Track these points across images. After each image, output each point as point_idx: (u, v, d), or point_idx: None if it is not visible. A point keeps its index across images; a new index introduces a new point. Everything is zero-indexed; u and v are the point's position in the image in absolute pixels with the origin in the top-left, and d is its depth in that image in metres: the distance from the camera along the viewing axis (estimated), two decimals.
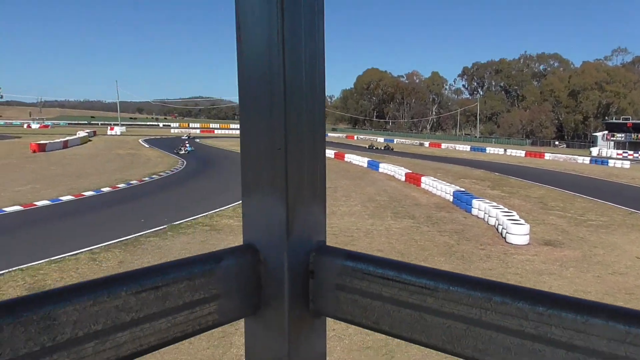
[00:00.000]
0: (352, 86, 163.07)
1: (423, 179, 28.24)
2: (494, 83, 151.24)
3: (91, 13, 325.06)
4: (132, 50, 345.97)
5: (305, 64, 0.74)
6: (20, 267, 11.36)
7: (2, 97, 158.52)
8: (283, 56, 0.70)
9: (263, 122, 0.73)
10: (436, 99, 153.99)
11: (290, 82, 0.71)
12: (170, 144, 58.27)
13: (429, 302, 0.64)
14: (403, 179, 31.00)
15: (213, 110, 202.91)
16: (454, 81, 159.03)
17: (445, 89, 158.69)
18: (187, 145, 47.12)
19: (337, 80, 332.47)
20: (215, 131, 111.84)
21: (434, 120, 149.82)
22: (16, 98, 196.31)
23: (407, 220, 18.68)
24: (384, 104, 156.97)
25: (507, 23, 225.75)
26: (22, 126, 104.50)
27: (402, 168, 33.22)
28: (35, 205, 19.06)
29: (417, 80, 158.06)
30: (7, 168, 31.12)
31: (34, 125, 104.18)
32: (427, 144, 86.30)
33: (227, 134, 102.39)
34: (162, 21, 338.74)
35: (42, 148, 43.22)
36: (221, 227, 16.20)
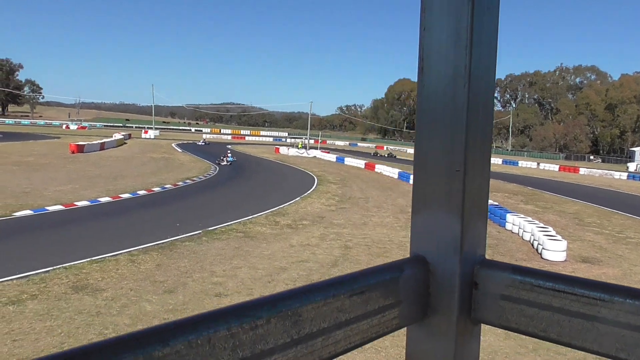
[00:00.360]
0: (383, 96, 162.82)
1: None
2: (527, 95, 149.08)
3: (130, 18, 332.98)
4: (168, 55, 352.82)
5: (484, 92, 0.83)
6: (63, 265, 11.72)
7: (43, 97, 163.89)
8: (468, 88, 0.80)
9: (442, 146, 0.82)
10: None
11: (472, 111, 0.81)
12: (202, 149, 59.18)
13: (603, 312, 0.71)
14: None
15: (244, 117, 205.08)
16: None
17: None
18: (229, 155, 44.08)
19: (368, 90, 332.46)
20: (246, 138, 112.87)
21: None
22: (56, 99, 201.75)
23: None
24: (414, 115, 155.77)
25: (543, 34, 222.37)
26: (61, 127, 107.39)
27: None
28: (76, 205, 19.62)
29: None
30: (48, 167, 32.10)
31: (72, 126, 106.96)
32: None
33: (258, 141, 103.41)
34: (196, 28, 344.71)
35: (80, 149, 44.40)
36: (254, 235, 16.39)
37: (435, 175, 0.84)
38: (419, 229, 0.88)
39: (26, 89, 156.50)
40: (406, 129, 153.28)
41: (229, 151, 46.00)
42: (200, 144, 65.86)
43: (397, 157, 70.55)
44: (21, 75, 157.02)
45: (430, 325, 0.85)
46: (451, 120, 0.82)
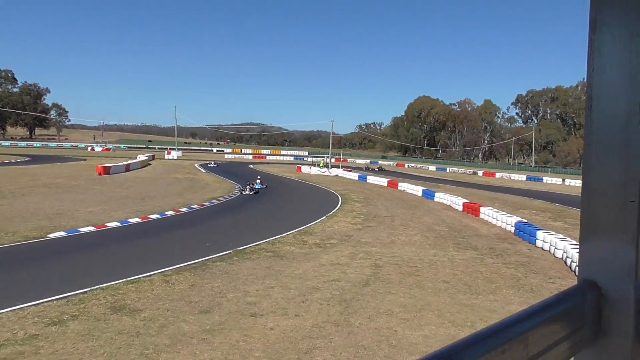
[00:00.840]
0: (403, 114, 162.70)
1: (482, 209, 27.78)
2: (549, 111, 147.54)
3: (151, 43, 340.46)
4: (189, 77, 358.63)
5: None
6: (100, 286, 11.91)
7: (69, 120, 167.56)
8: None
9: (615, 176, 0.89)
10: (488, 127, 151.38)
11: None
12: (225, 169, 59.71)
13: None
14: (460, 208, 30.57)
15: (263, 137, 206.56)
16: (507, 109, 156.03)
17: (498, 117, 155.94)
18: (258, 181, 38.24)
19: (388, 108, 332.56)
20: (267, 157, 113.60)
21: (486, 149, 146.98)
22: (80, 121, 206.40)
23: (470, 251, 18.40)
24: (435, 132, 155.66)
25: (564, 50, 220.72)
26: (86, 149, 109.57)
27: (459, 197, 32.78)
28: (107, 226, 19.94)
29: (469, 108, 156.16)
30: (77, 189, 32.72)
31: (97, 148, 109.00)
32: (480, 172, 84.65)
33: (279, 160, 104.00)
34: (213, 49, 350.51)
35: (107, 171, 45.19)
36: (284, 254, 16.44)
37: (608, 206, 0.90)
38: (589, 256, 0.94)
39: (53, 112, 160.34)
40: (427, 146, 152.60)
41: (258, 177, 40.95)
42: (211, 165, 64.64)
43: (385, 170, 79.01)
44: (48, 100, 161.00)
45: (602, 349, 0.90)
46: (625, 155, 0.88)
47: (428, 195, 37.64)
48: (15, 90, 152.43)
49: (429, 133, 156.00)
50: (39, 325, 9.42)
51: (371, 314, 10.86)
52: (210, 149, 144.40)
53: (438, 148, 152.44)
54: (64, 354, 8.21)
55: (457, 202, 31.91)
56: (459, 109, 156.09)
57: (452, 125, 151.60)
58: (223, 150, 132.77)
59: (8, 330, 9.12)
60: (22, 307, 10.29)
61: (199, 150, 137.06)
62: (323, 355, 8.61)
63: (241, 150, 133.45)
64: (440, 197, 35.24)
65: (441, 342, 9.46)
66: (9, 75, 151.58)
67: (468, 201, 31.36)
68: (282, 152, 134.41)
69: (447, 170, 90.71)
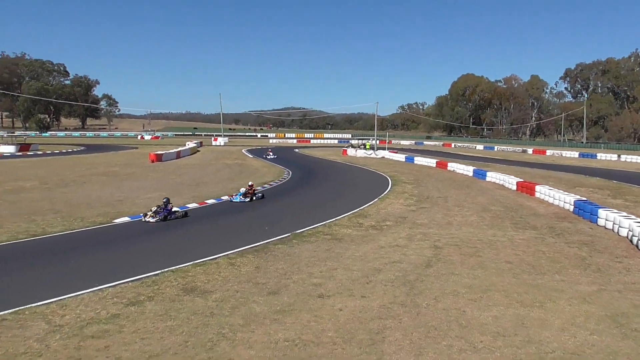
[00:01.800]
0: (447, 92, 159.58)
1: (537, 187, 27.10)
2: (600, 84, 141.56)
3: (194, 33, 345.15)
4: (232, 64, 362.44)
5: None
6: (170, 268, 12.34)
7: (119, 110, 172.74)
8: None
9: None
10: (536, 103, 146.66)
11: None
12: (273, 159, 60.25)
13: None
14: (514, 187, 29.93)
15: (305, 120, 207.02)
16: (555, 84, 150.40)
17: (546, 92, 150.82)
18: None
19: (430, 87, 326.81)
20: (311, 141, 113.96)
21: (534, 126, 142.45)
22: (128, 111, 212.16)
23: (529, 231, 18.04)
24: (480, 110, 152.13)
25: (615, 20, 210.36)
26: (136, 137, 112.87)
27: (512, 176, 32.07)
28: None
29: (516, 85, 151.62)
30: (134, 176, 33.87)
31: (146, 137, 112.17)
32: (530, 150, 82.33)
33: (322, 144, 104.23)
34: (254, 36, 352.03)
35: (159, 158, 46.47)
36: (342, 237, 16.56)
37: None
38: None
39: (103, 103, 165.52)
40: (472, 124, 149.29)
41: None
42: (270, 157, 54.31)
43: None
44: (97, 91, 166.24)
45: None
46: None
47: (479, 174, 36.99)
48: (67, 82, 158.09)
49: (474, 111, 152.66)
50: (119, 306, 9.88)
51: (437, 295, 10.86)
52: (254, 134, 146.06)
53: (484, 126, 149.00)
54: (145, 333, 8.59)
55: (510, 181, 31.24)
56: (504, 86, 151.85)
57: (498, 102, 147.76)
58: (267, 135, 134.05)
59: (91, 310, 9.60)
60: (101, 289, 10.80)
61: (244, 135, 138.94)
62: (394, 335, 8.70)
63: (284, 135, 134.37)
64: (492, 176, 34.58)
65: (511, 322, 9.40)
66: (62, 68, 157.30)
67: (522, 180, 30.65)
68: (325, 135, 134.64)
69: (495, 149, 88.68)
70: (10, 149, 57.92)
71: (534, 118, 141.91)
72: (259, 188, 28.62)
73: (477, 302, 10.45)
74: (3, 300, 9.88)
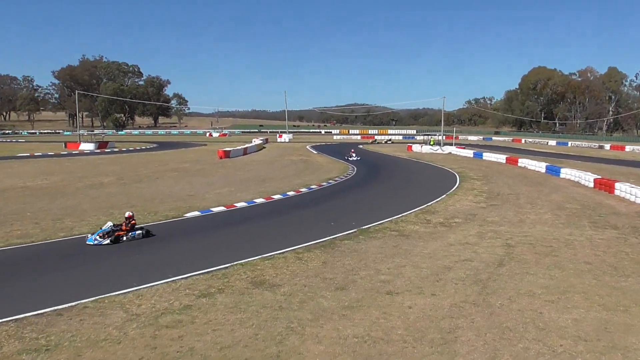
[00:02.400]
0: (517, 86, 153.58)
1: (617, 185, 25.51)
2: None
3: (258, 35, 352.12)
4: (295, 62, 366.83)
5: None
6: (239, 262, 12.56)
7: (189, 109, 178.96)
8: None
9: None
10: (613, 97, 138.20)
11: None
12: (335, 151, 60.36)
13: None
14: (591, 185, 28.33)
15: (368, 117, 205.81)
16: (636, 76, 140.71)
17: (625, 85, 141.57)
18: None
19: (500, 81, 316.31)
20: (375, 137, 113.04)
21: (611, 120, 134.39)
22: (197, 110, 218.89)
23: (609, 230, 16.99)
24: (552, 105, 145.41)
25: None
26: (205, 135, 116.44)
27: (589, 173, 30.39)
28: (235, 206, 21.01)
29: (592, 77, 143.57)
30: (203, 173, 34.91)
31: (215, 134, 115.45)
32: (607, 146, 77.80)
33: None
34: (317, 35, 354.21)
35: (227, 155, 47.66)
36: (409, 233, 16.27)
37: None
38: None
39: (174, 102, 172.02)
40: (544, 119, 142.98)
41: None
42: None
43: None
44: (168, 90, 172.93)
45: None
46: None
47: (552, 171, 35.33)
48: (141, 83, 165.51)
49: (545, 106, 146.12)
50: (191, 297, 10.14)
51: (511, 295, 10.41)
52: (318, 130, 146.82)
53: (556, 121, 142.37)
54: (217, 325, 8.76)
55: (586, 178, 29.61)
56: (579, 79, 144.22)
57: (571, 96, 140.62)
58: (331, 132, 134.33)
59: (165, 301, 9.91)
60: (174, 280, 11.14)
61: (308, 132, 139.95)
62: (467, 335, 8.40)
63: (348, 131, 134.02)
64: (567, 173, 32.91)
65: (593, 326, 8.85)
66: (136, 69, 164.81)
67: (599, 177, 28.96)
68: (389, 131, 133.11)
69: (569, 145, 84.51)
70: (90, 146, 61.36)
71: (611, 112, 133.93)
72: (324, 184, 28.66)
73: (555, 304, 9.93)
74: (85, 289, 10.40)
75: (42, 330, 8.44)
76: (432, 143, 66.28)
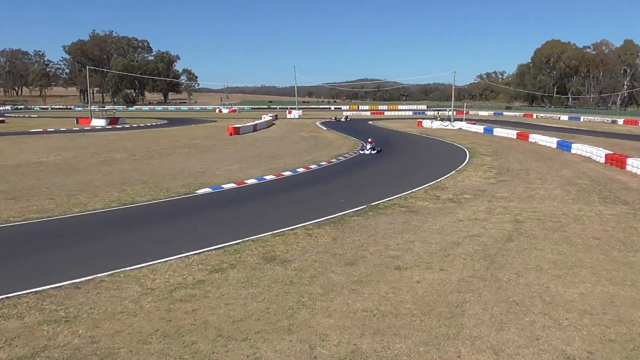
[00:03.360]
0: (529, 60, 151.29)
1: (629, 160, 25.36)
2: None
3: (268, 7, 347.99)
4: (305, 38, 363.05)
5: None
6: (250, 238, 12.76)
7: (198, 85, 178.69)
8: None
9: None
10: (629, 70, 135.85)
11: None
12: (345, 127, 60.29)
13: None
14: (602, 160, 28.17)
15: (378, 92, 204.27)
16: None
17: None
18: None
19: (512, 55, 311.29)
20: (385, 113, 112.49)
21: (625, 94, 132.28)
22: (207, 85, 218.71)
23: (619, 206, 16.99)
24: (565, 79, 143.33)
25: None
26: (215, 111, 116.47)
27: (600, 149, 30.20)
28: (246, 183, 21.20)
29: (607, 51, 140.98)
30: (213, 149, 35.12)
31: (224, 110, 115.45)
32: (621, 121, 76.86)
33: (397, 115, 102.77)
34: (329, 11, 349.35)
35: (237, 131, 47.77)
36: (418, 209, 16.38)
37: None
38: None
39: (183, 77, 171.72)
40: (556, 94, 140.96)
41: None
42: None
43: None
44: (178, 66, 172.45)
45: None
46: None
47: (564, 146, 35.12)
48: (151, 58, 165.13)
49: (558, 80, 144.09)
50: (204, 272, 10.38)
51: (519, 270, 10.54)
52: (328, 107, 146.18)
53: (569, 96, 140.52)
54: (229, 299, 8.99)
55: (598, 153, 29.43)
56: (594, 52, 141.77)
57: (585, 70, 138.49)
58: (340, 108, 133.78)
59: (179, 276, 10.16)
60: (187, 255, 11.38)
61: (317, 108, 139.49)
62: (474, 309, 8.56)
63: (358, 107, 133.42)
64: (578, 148, 32.70)
65: (600, 300, 8.97)
66: (145, 44, 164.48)
67: (611, 152, 28.78)
68: (400, 107, 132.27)
69: (581, 120, 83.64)
70: (101, 122, 61.73)
71: (626, 86, 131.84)
72: (333, 160, 28.75)
73: (562, 279, 10.05)
74: (101, 263, 10.67)
75: (61, 302, 8.72)
76: (439, 118, 65.91)
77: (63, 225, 14.36)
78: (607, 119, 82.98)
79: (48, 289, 9.28)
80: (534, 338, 7.53)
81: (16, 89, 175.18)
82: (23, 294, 9.02)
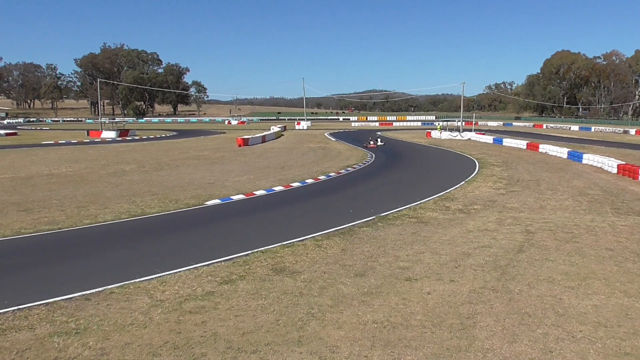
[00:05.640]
0: (539, 71, 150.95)
1: None
2: None
3: (277, 20, 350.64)
4: (313, 50, 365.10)
5: None
6: (260, 249, 12.74)
7: (207, 96, 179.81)
8: None
9: None
10: None
11: None
12: (354, 138, 60.31)
13: None
14: (614, 170, 27.94)
15: (387, 103, 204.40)
16: None
17: None
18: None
19: (521, 66, 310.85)
20: (393, 124, 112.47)
21: (637, 105, 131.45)
22: (216, 97, 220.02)
23: (632, 216, 16.80)
24: (576, 89, 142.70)
25: None
26: (224, 122, 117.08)
27: (612, 159, 29.97)
28: (255, 194, 21.22)
29: (617, 61, 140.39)
30: (223, 160, 35.23)
31: (233, 122, 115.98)
32: (632, 131, 76.29)
33: (406, 126, 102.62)
34: (337, 22, 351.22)
35: (246, 142, 47.96)
36: (427, 220, 16.30)
37: None
38: None
39: (193, 89, 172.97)
40: (567, 104, 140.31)
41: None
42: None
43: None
44: (187, 78, 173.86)
45: None
46: None
47: (574, 157, 34.89)
48: (160, 71, 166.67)
49: (568, 90, 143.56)
50: (213, 284, 10.36)
51: (531, 281, 10.42)
52: (336, 117, 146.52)
53: (579, 106, 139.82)
54: (239, 310, 8.96)
55: (609, 163, 29.19)
56: (604, 62, 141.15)
57: (596, 80, 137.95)
58: (349, 119, 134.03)
59: (188, 287, 10.15)
60: (196, 267, 11.37)
61: (326, 119, 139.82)
62: (486, 321, 8.47)
63: (367, 118, 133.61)
64: (589, 158, 32.47)
65: (614, 312, 8.84)
66: (155, 57, 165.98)
67: (623, 162, 28.55)
68: (408, 117, 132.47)
69: (592, 130, 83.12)
70: (111, 134, 62.19)
71: (637, 96, 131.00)
72: (342, 171, 28.72)
73: (575, 290, 9.92)
74: (110, 275, 10.69)
75: (71, 314, 8.74)
76: (439, 128, 65.85)
77: (73, 236, 14.43)
78: (618, 129, 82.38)
79: (59, 300, 9.30)
80: (548, 350, 7.43)
81: (28, 101, 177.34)
82: (34, 305, 9.04)
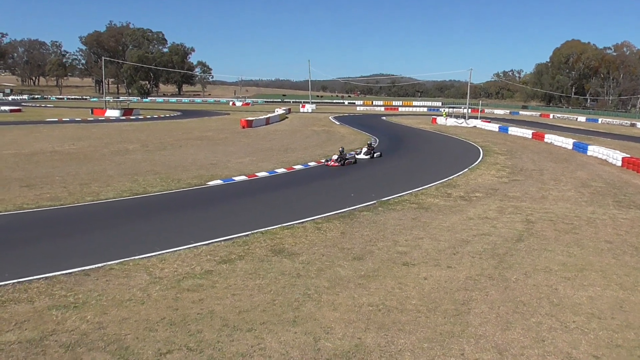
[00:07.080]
0: (548, 60, 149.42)
1: None
2: None
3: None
4: (320, 32, 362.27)
5: None
6: (260, 230, 12.81)
7: (212, 77, 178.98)
8: None
9: None
10: None
11: None
12: (358, 122, 60.13)
13: None
14: (619, 163, 27.82)
15: (393, 88, 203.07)
16: None
17: None
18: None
19: (530, 54, 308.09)
20: (399, 109, 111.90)
21: None
22: (221, 78, 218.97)
23: (634, 210, 16.78)
24: (584, 80, 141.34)
25: None
26: (228, 103, 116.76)
27: (617, 151, 29.82)
28: (257, 175, 21.27)
29: (628, 52, 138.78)
30: (226, 142, 35.23)
31: (238, 103, 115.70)
32: None
33: (411, 112, 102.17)
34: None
35: (249, 124, 47.85)
36: (428, 206, 16.32)
37: None
38: None
39: (198, 70, 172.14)
40: (575, 95, 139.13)
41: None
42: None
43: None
44: (192, 58, 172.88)
45: None
46: None
47: (579, 148, 34.73)
48: (165, 50, 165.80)
49: (577, 81, 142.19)
50: (212, 263, 10.44)
51: (527, 270, 10.47)
52: (341, 101, 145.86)
53: (587, 97, 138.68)
54: (236, 290, 9.04)
55: (614, 156, 29.05)
56: (614, 54, 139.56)
57: (605, 71, 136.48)
58: (354, 103, 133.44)
59: (187, 266, 10.23)
60: (196, 246, 11.46)
61: (331, 103, 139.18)
62: (480, 307, 8.53)
63: (372, 102, 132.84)
64: (594, 150, 32.32)
65: (609, 304, 8.88)
66: (160, 36, 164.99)
67: (628, 155, 28.40)
68: (414, 103, 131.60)
69: (599, 122, 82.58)
70: (115, 113, 62.14)
71: None
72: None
73: (571, 281, 9.97)
74: (110, 251, 10.78)
75: (70, 288, 8.84)
76: (444, 115, 65.47)
77: (75, 213, 14.53)
78: (625, 121, 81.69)
79: (58, 274, 9.40)
80: (540, 339, 7.49)
81: (33, 78, 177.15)
82: (34, 279, 9.15)
